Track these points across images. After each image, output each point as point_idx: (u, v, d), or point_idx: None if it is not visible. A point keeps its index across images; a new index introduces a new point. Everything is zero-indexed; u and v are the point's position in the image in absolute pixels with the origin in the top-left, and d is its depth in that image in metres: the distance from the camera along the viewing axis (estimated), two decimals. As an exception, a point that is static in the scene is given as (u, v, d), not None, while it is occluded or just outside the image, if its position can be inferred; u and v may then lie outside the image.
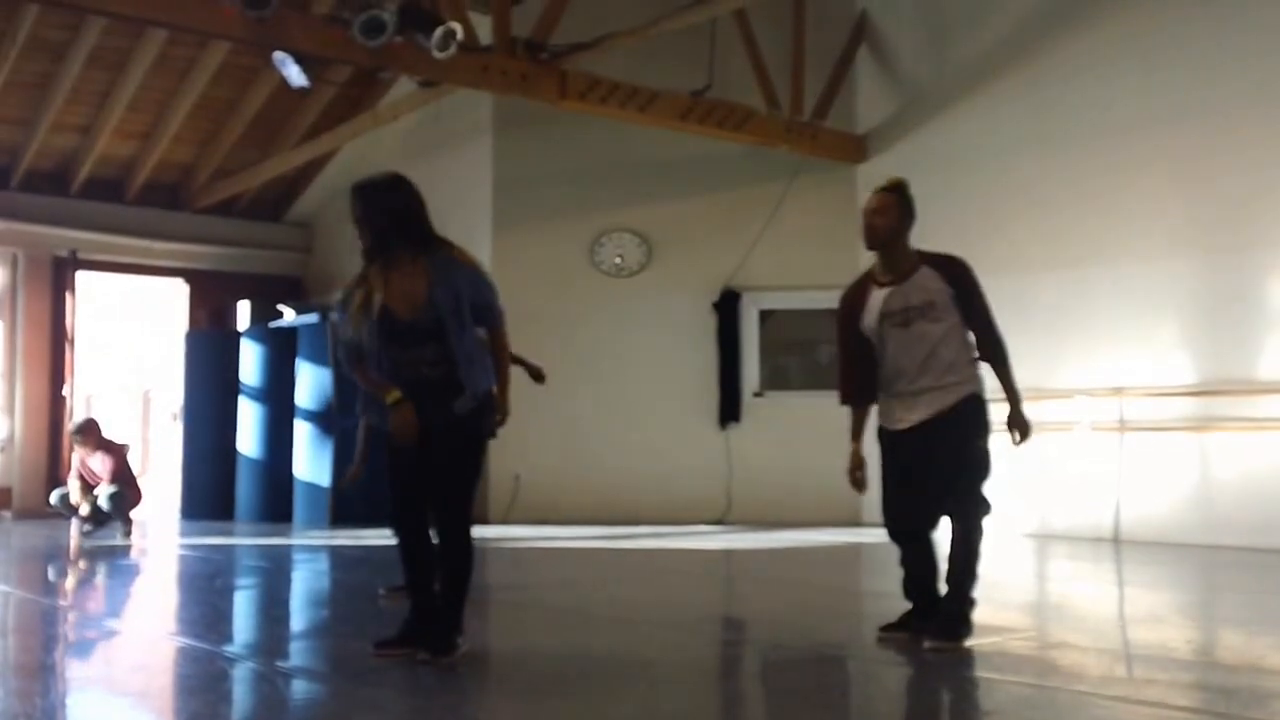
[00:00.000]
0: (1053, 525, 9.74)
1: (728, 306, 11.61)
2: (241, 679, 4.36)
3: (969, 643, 4.58)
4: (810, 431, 11.44)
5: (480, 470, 4.49)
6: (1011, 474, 9.52)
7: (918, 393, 4.65)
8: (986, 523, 4.68)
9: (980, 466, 4.66)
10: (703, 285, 11.64)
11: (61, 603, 6.77)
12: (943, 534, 4.73)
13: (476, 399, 4.35)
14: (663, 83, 10.27)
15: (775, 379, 11.77)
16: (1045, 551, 8.89)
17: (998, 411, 4.70)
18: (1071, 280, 9.73)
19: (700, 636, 5.52)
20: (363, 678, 4.16)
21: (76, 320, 13.44)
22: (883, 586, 5.98)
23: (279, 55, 9.90)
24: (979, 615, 4.74)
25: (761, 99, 10.77)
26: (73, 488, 9.66)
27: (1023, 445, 4.73)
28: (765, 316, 11.75)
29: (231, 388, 12.28)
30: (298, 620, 6.35)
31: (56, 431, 13.05)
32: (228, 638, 5.52)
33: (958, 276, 4.69)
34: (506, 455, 10.91)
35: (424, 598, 4.44)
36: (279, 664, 4.69)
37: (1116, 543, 9.19)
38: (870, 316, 4.72)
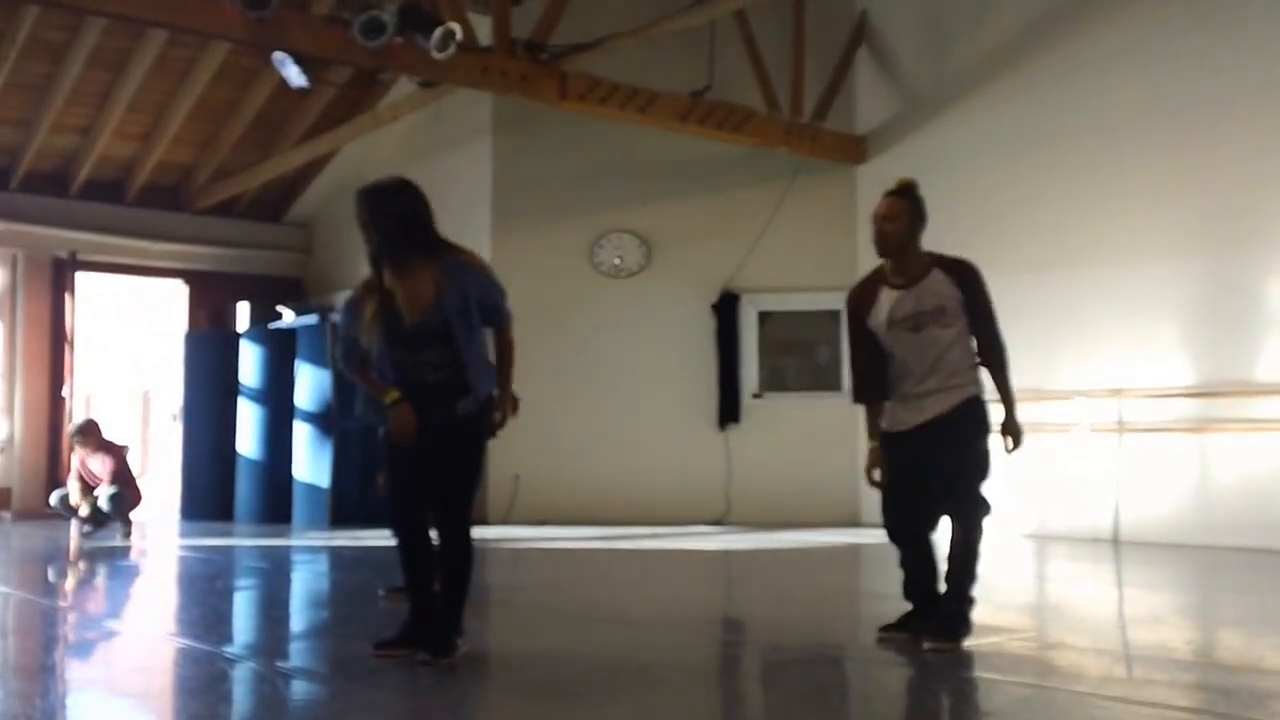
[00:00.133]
0: (1052, 526, 9.75)
1: (727, 308, 11.62)
2: (241, 680, 4.37)
3: (968, 643, 4.59)
4: (809, 433, 11.48)
5: (480, 471, 4.50)
6: (1011, 475, 9.55)
7: (922, 395, 4.65)
8: (986, 523, 4.68)
9: (980, 467, 4.66)
10: (702, 286, 11.64)
11: (61, 604, 6.77)
12: (942, 535, 4.73)
13: (479, 401, 4.35)
14: (662, 84, 10.28)
15: (774, 380, 11.77)
16: (1044, 552, 8.89)
17: (994, 415, 4.70)
18: (1070, 281, 9.73)
19: (700, 637, 5.52)
20: (362, 678, 4.16)
21: (76, 321, 13.45)
22: (882, 587, 5.98)
23: (279, 56, 9.90)
24: (979, 616, 4.75)
25: (761, 100, 10.78)
26: (72, 489, 9.66)
27: (1014, 452, 4.72)
28: (764, 318, 11.75)
29: (231, 389, 12.27)
30: (297, 621, 6.35)
31: (56, 432, 13.05)
32: (227, 639, 5.52)
33: (968, 281, 4.67)
34: (506, 456, 10.90)
35: (423, 598, 4.44)
36: (279, 665, 4.69)
37: (1116, 543, 9.19)
38: (879, 317, 4.69)
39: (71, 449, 10.17)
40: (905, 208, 4.69)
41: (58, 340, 13.28)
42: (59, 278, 13.35)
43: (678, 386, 11.65)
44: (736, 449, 11.51)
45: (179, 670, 4.65)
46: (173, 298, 14.53)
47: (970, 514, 4.63)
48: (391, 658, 4.36)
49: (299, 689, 4.22)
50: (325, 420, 11.26)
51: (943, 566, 4.72)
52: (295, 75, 10.15)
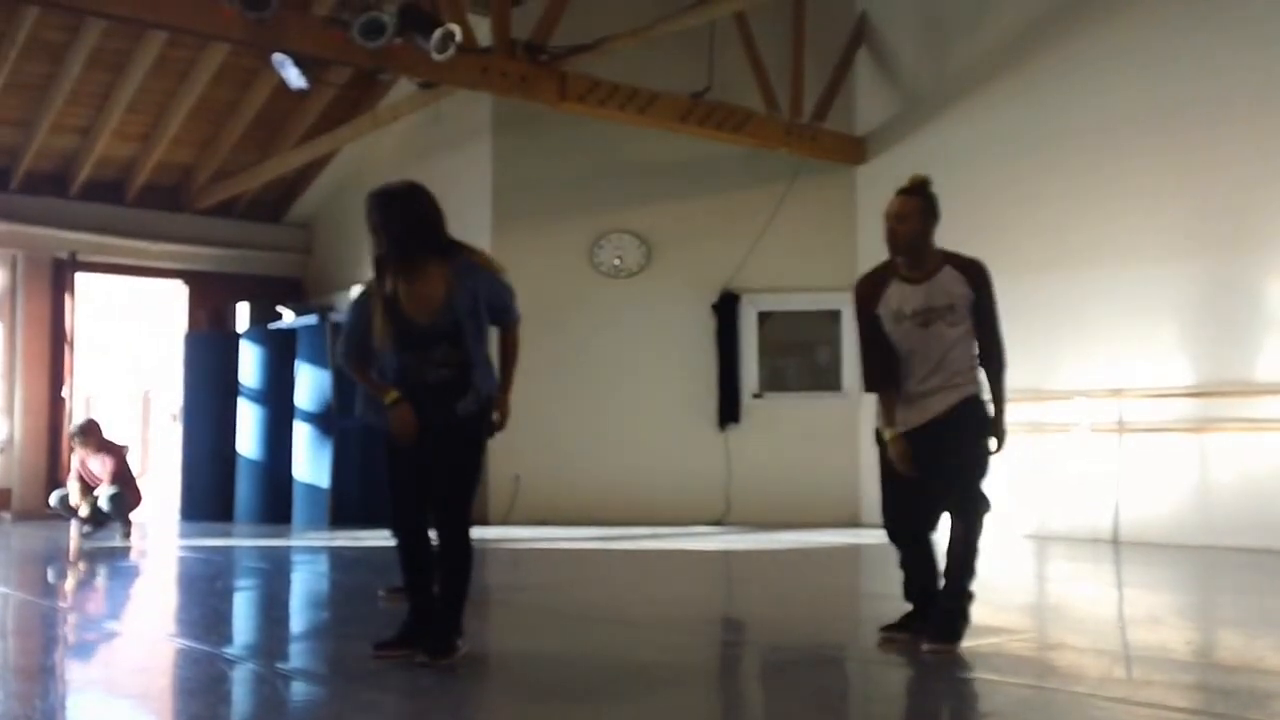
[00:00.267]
0: (1052, 526, 9.75)
1: (727, 308, 11.62)
2: (241, 681, 4.37)
3: (968, 642, 4.58)
4: (809, 433, 11.48)
5: (480, 471, 4.50)
6: (1011, 475, 9.57)
7: (925, 394, 4.64)
8: (986, 520, 4.67)
9: (980, 465, 4.65)
10: (702, 287, 11.65)
11: (61, 604, 6.77)
12: (942, 534, 4.73)
13: (479, 401, 4.36)
14: (662, 84, 10.28)
15: (774, 380, 11.78)
16: (1044, 553, 8.90)
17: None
18: (1070, 281, 9.74)
19: (700, 637, 5.52)
20: (362, 679, 4.16)
21: (76, 321, 13.45)
22: (882, 588, 5.98)
23: (278, 57, 9.91)
24: (979, 616, 4.75)
25: (761, 101, 10.78)
26: (72, 489, 9.66)
27: (997, 453, 4.70)
28: (764, 318, 11.76)
29: (231, 389, 12.28)
30: (297, 622, 6.35)
31: (56, 433, 13.05)
32: (227, 639, 5.52)
33: (980, 282, 4.66)
34: (506, 456, 10.91)
35: (423, 599, 4.44)
36: (278, 666, 4.69)
37: (1115, 544, 9.19)
38: (888, 309, 4.68)
39: (71, 449, 10.17)
40: (918, 205, 4.67)
41: (58, 341, 13.28)
42: (59, 278, 13.35)
43: (678, 387, 11.66)
44: (736, 449, 11.52)
45: (179, 671, 4.65)
46: (173, 298, 14.53)
47: (971, 511, 4.63)
48: (391, 658, 4.36)
49: (299, 690, 4.22)
50: (325, 420, 11.26)
51: (942, 565, 4.72)
52: (295, 76, 10.15)
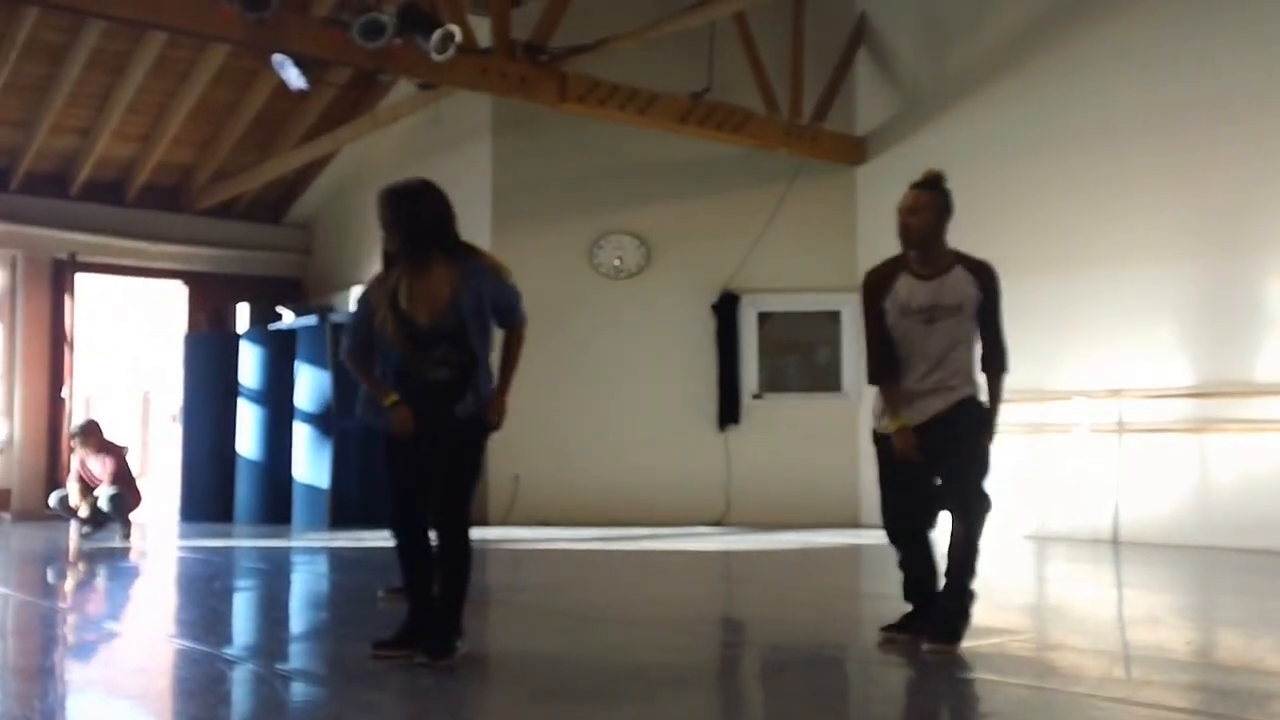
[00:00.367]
0: (1052, 527, 9.75)
1: (727, 308, 11.62)
2: (240, 681, 4.36)
3: (968, 642, 4.58)
4: (809, 433, 11.48)
5: (478, 472, 4.50)
6: (1011, 475, 9.57)
7: (923, 393, 4.64)
8: (988, 520, 4.67)
9: (980, 464, 4.64)
10: (702, 287, 11.64)
11: (60, 605, 6.77)
12: (941, 533, 4.72)
13: (478, 404, 4.36)
14: (662, 85, 10.28)
15: (774, 381, 11.77)
16: (1044, 553, 8.89)
17: None
18: (1070, 282, 9.74)
19: (700, 638, 5.52)
20: (362, 680, 4.16)
21: (76, 322, 13.45)
22: (882, 588, 5.98)
23: (278, 57, 9.91)
24: (979, 616, 4.74)
25: (761, 101, 10.78)
26: (72, 490, 9.66)
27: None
28: (764, 318, 11.75)
29: (231, 390, 12.28)
30: (297, 622, 6.35)
31: (56, 433, 13.05)
32: (227, 640, 5.52)
33: (989, 285, 4.65)
34: (506, 457, 10.91)
35: (422, 599, 4.44)
36: (278, 666, 4.69)
37: (1115, 544, 9.19)
38: (895, 303, 4.67)
39: (72, 450, 10.17)
40: (931, 200, 4.67)
41: (57, 341, 13.28)
42: (59, 279, 13.35)
43: (677, 387, 11.66)
44: (736, 449, 11.51)
45: (178, 672, 4.65)
46: (172, 299, 14.53)
47: (972, 511, 4.62)
48: (390, 658, 4.36)
49: (298, 690, 4.22)
50: (325, 421, 11.26)
51: (942, 566, 4.72)
52: (295, 77, 10.15)
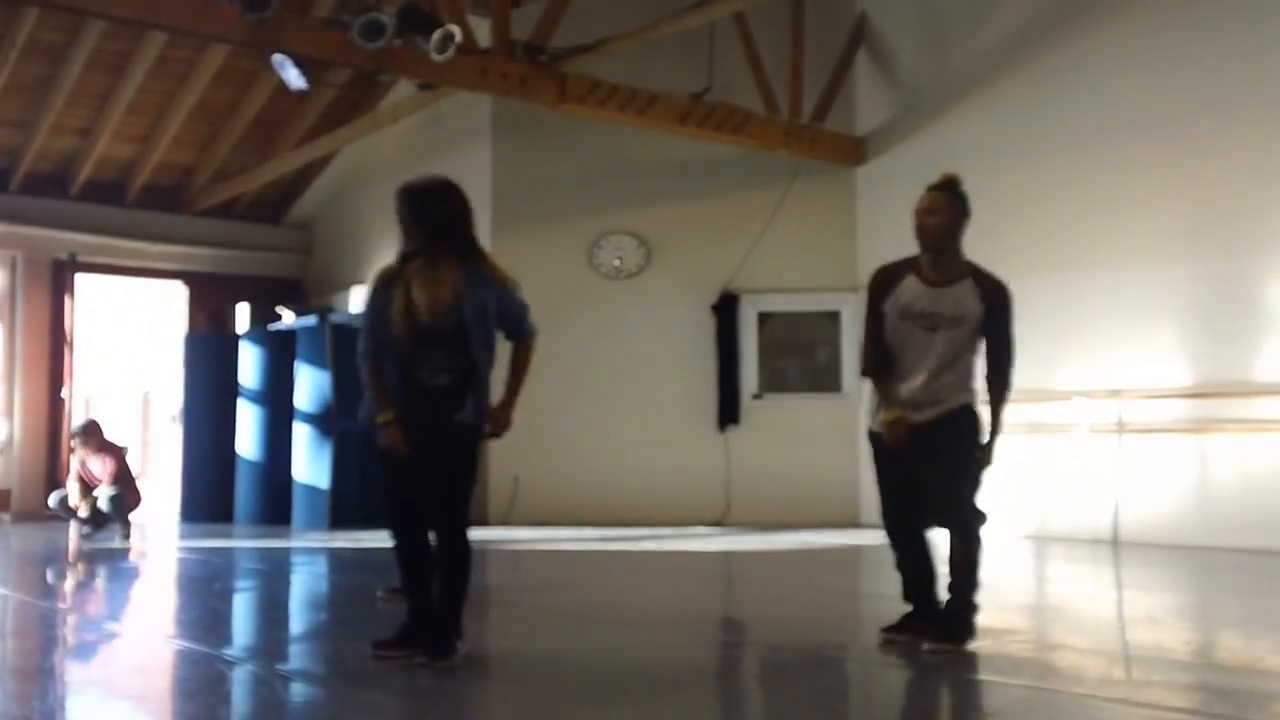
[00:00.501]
0: (1051, 527, 9.75)
1: (726, 309, 11.62)
2: (240, 682, 4.36)
3: (970, 647, 4.58)
4: (809, 434, 11.48)
5: (475, 474, 4.48)
6: (1011, 476, 9.57)
7: (917, 403, 4.63)
8: (983, 532, 4.65)
9: (969, 477, 4.60)
10: (702, 287, 11.65)
11: (60, 605, 6.77)
12: (940, 539, 4.72)
13: (478, 414, 4.36)
14: (662, 85, 10.28)
15: (774, 381, 11.77)
16: (1044, 553, 8.90)
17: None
18: (1070, 283, 9.73)
19: (700, 638, 5.52)
20: (361, 680, 4.16)
21: (76, 322, 13.45)
22: (882, 588, 5.98)
23: (278, 58, 9.91)
24: (979, 618, 4.73)
25: (760, 102, 10.78)
26: (72, 490, 9.66)
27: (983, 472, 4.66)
28: (764, 319, 11.76)
29: (231, 390, 12.27)
30: (296, 623, 6.35)
31: (56, 434, 13.05)
32: (226, 640, 5.52)
33: (996, 301, 4.60)
34: (506, 456, 10.92)
35: (422, 600, 4.44)
36: (278, 667, 4.69)
37: (1115, 544, 9.19)
38: (896, 304, 4.66)
39: (72, 450, 10.17)
40: (947, 202, 4.63)
41: (57, 342, 13.28)
42: (59, 279, 13.36)
43: (677, 387, 11.66)
44: (736, 450, 11.52)
45: (178, 672, 4.65)
46: (172, 299, 14.53)
47: (966, 527, 4.60)
48: (390, 659, 4.36)
49: (298, 691, 4.22)
50: (325, 422, 11.25)
51: (941, 569, 4.72)
52: (295, 77, 10.15)
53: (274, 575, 8.16)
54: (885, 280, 4.74)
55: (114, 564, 8.64)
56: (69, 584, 7.74)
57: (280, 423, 11.73)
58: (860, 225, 11.44)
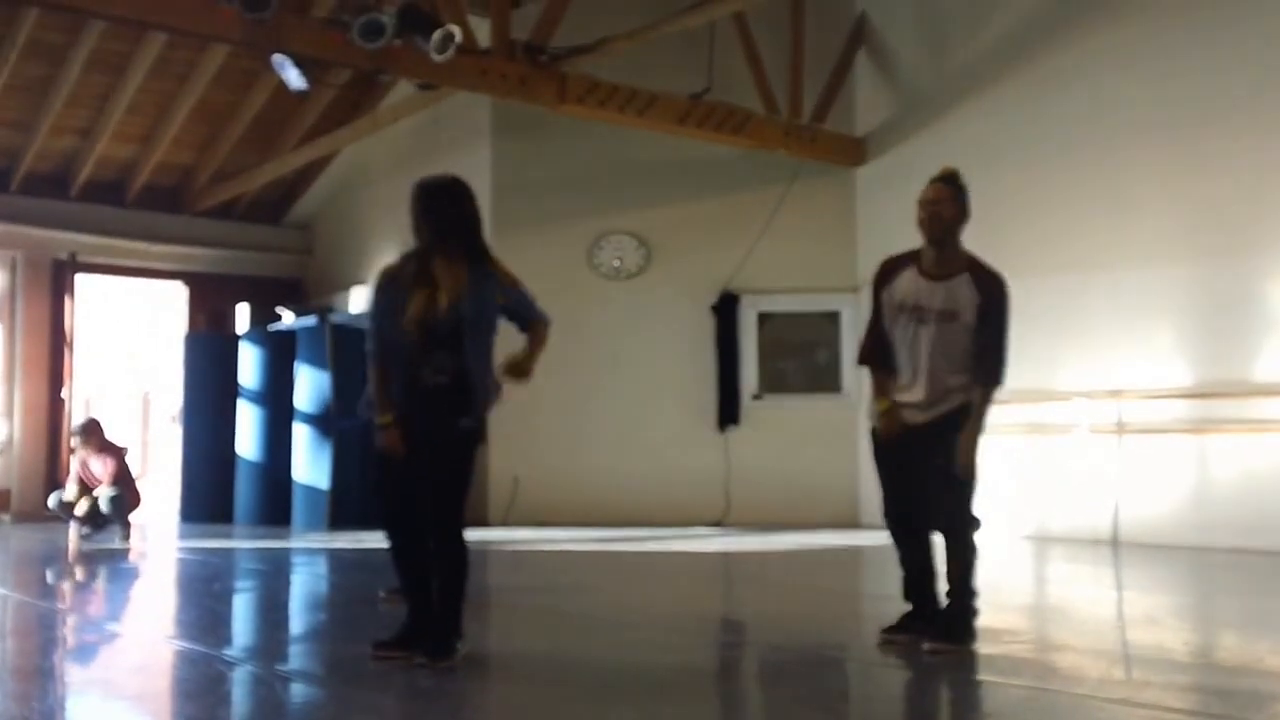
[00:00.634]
0: (1051, 528, 9.75)
1: (726, 309, 11.62)
2: (240, 682, 4.36)
3: (970, 647, 4.58)
4: (809, 434, 11.48)
5: (471, 476, 4.47)
6: (1010, 476, 9.57)
7: (909, 405, 4.64)
8: (978, 538, 4.64)
9: (963, 482, 4.58)
10: (701, 288, 11.65)
11: (60, 606, 6.77)
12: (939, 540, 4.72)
13: (477, 419, 4.36)
14: (662, 86, 10.28)
15: (774, 382, 11.77)
16: (1044, 554, 8.89)
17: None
18: (1070, 283, 9.73)
19: (700, 639, 5.52)
20: (361, 681, 4.16)
21: (76, 323, 13.45)
22: (882, 589, 5.98)
23: (278, 58, 9.88)
24: (978, 618, 4.73)
25: (760, 102, 10.78)
26: (70, 490, 9.67)
27: (961, 473, 4.58)
28: (764, 319, 11.75)
29: (231, 390, 12.27)
30: (296, 624, 6.35)
31: (56, 434, 13.05)
32: (226, 641, 5.52)
33: (991, 292, 4.59)
34: (506, 457, 10.92)
35: (421, 600, 4.44)
36: (277, 667, 4.69)
37: (1115, 545, 9.19)
38: (892, 297, 4.69)
39: (72, 450, 10.18)
40: (952, 195, 4.65)
41: (57, 342, 13.28)
42: (59, 279, 13.35)
43: (677, 388, 11.66)
44: (736, 450, 11.51)
45: (177, 673, 4.65)
46: (172, 299, 14.53)
47: (959, 535, 4.59)
48: (390, 659, 4.36)
49: (298, 692, 4.22)
50: (325, 422, 11.25)
51: (942, 569, 4.72)
52: (295, 77, 10.13)
53: (274, 576, 8.16)
54: (887, 271, 4.79)
55: (114, 564, 8.64)
56: (69, 584, 7.73)
57: (280, 423, 11.72)
58: (860, 225, 11.44)
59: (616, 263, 11.86)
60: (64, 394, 13.22)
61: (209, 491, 12.36)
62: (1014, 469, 9.61)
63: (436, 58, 8.64)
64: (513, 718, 3.92)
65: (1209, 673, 4.58)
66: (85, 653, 5.25)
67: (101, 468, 9.57)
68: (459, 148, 12.20)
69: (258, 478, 11.95)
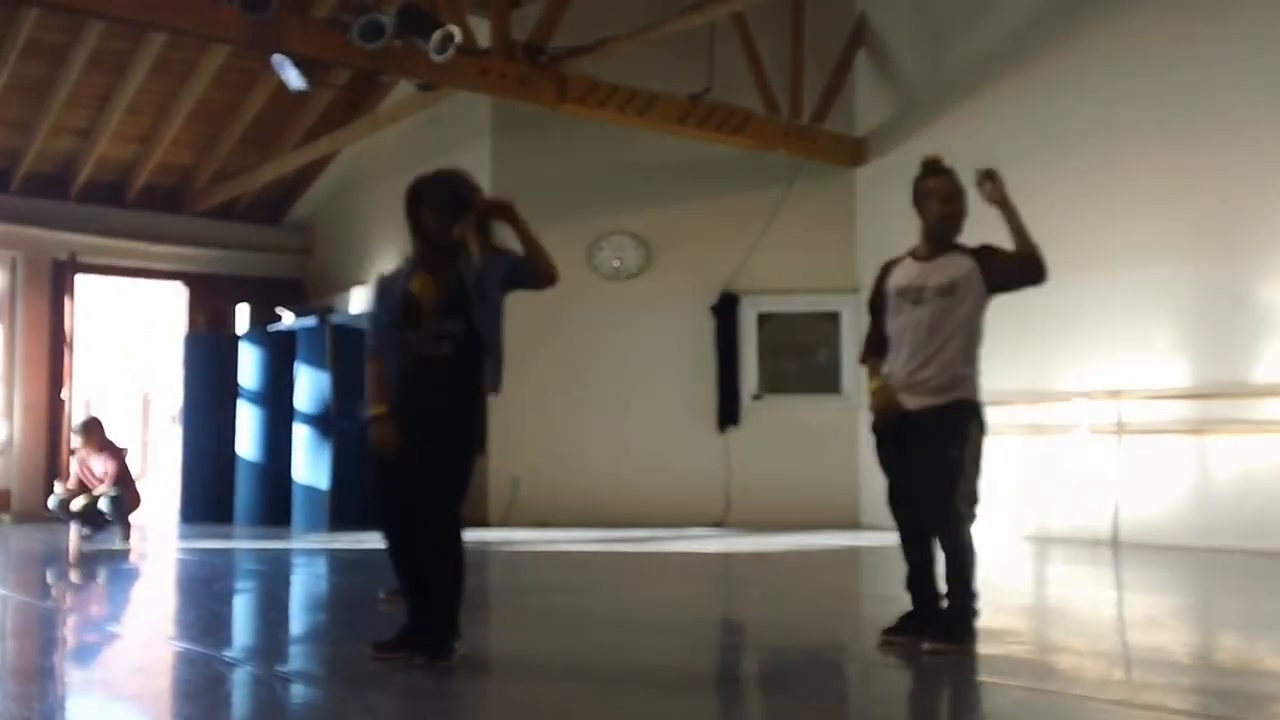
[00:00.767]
0: (1051, 528, 9.75)
1: (726, 309, 11.62)
2: (239, 683, 4.36)
3: (969, 648, 4.57)
4: (809, 435, 11.48)
5: (469, 474, 4.45)
6: (1011, 477, 9.57)
7: (909, 386, 4.64)
8: (975, 538, 4.63)
9: (956, 478, 4.54)
10: (701, 288, 11.64)
11: (60, 606, 6.77)
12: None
13: (493, 376, 4.36)
14: (662, 86, 10.28)
15: (774, 382, 11.77)
16: (1044, 554, 8.89)
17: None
18: (1070, 284, 9.64)
19: (699, 640, 5.51)
20: (361, 682, 4.16)
21: (76, 323, 13.45)
22: (882, 589, 5.98)
23: (278, 58, 9.91)
24: (978, 619, 4.73)
25: (760, 102, 10.78)
26: (62, 486, 9.72)
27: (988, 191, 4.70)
28: (764, 319, 11.75)
29: (230, 391, 12.27)
30: (296, 624, 6.35)
31: (55, 435, 13.05)
32: (226, 642, 5.52)
33: (983, 247, 4.70)
34: (506, 457, 10.91)
35: (420, 601, 4.43)
36: (277, 668, 4.68)
37: (1115, 545, 9.19)
38: (892, 284, 4.76)
39: (72, 451, 10.18)
40: (962, 190, 4.77)
41: (57, 342, 13.29)
42: (58, 280, 13.36)
43: (677, 388, 11.66)
44: (736, 451, 11.51)
45: (177, 673, 4.65)
46: (172, 300, 14.53)
47: (951, 532, 4.58)
48: (389, 660, 4.35)
49: (297, 692, 4.22)
50: (325, 422, 11.25)
51: (942, 567, 4.72)
52: (294, 78, 10.15)
53: (274, 576, 8.16)
54: (887, 266, 4.91)
55: (114, 565, 8.64)
56: (68, 585, 7.73)
57: (280, 424, 11.72)
58: (860, 226, 11.44)
59: (616, 263, 11.86)
60: (64, 394, 13.22)
61: (209, 492, 12.37)
62: (1014, 469, 9.61)
63: (436, 58, 8.64)
64: (512, 718, 3.92)
65: (1209, 674, 4.57)
66: (85, 653, 5.25)
67: (102, 468, 9.57)
68: (459, 148, 12.18)
69: (258, 478, 11.96)
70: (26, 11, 10.81)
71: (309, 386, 11.49)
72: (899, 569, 4.89)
